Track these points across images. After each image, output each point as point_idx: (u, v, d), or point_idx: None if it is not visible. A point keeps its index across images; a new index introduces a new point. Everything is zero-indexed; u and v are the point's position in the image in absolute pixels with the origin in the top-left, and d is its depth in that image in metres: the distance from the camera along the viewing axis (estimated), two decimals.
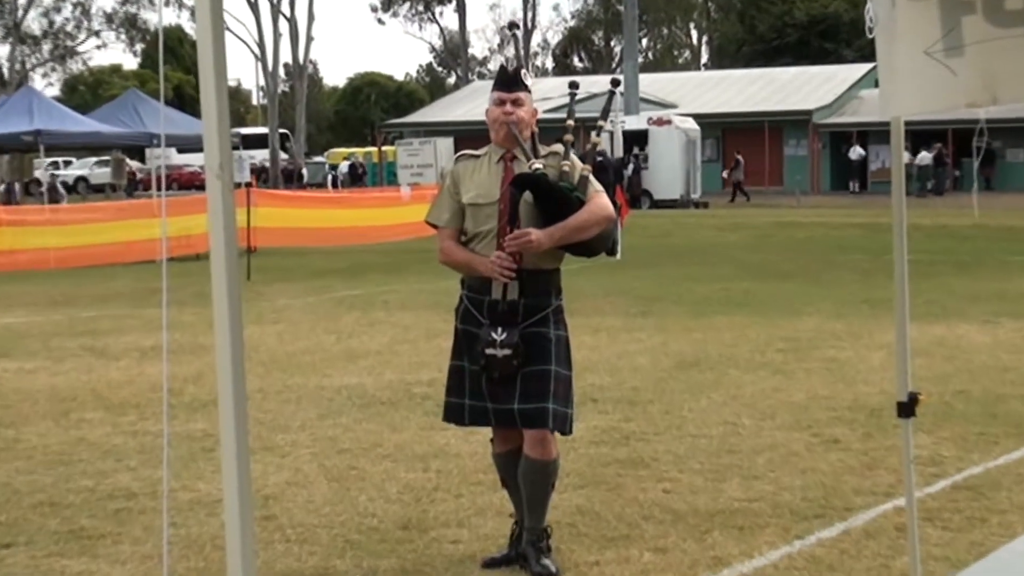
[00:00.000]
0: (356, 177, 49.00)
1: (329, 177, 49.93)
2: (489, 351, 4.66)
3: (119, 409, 8.11)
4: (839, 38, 62.64)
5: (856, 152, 46.03)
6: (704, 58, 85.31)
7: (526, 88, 4.79)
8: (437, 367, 9.25)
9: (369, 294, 15.13)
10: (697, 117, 42.38)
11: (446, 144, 47.28)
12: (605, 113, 5.03)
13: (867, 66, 51.27)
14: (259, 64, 52.40)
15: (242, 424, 2.60)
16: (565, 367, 4.76)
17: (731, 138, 49.39)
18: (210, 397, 8.28)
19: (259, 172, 44.11)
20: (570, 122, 4.97)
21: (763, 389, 8.45)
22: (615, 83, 5.14)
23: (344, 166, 50.77)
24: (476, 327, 4.74)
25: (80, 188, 51.38)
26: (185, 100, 62.65)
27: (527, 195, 4.67)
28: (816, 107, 48.02)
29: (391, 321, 12.39)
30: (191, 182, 49.85)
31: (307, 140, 61.27)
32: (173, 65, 68.59)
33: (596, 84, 40.64)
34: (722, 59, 74.30)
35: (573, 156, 4.82)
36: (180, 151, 46.15)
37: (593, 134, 5.00)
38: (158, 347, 10.84)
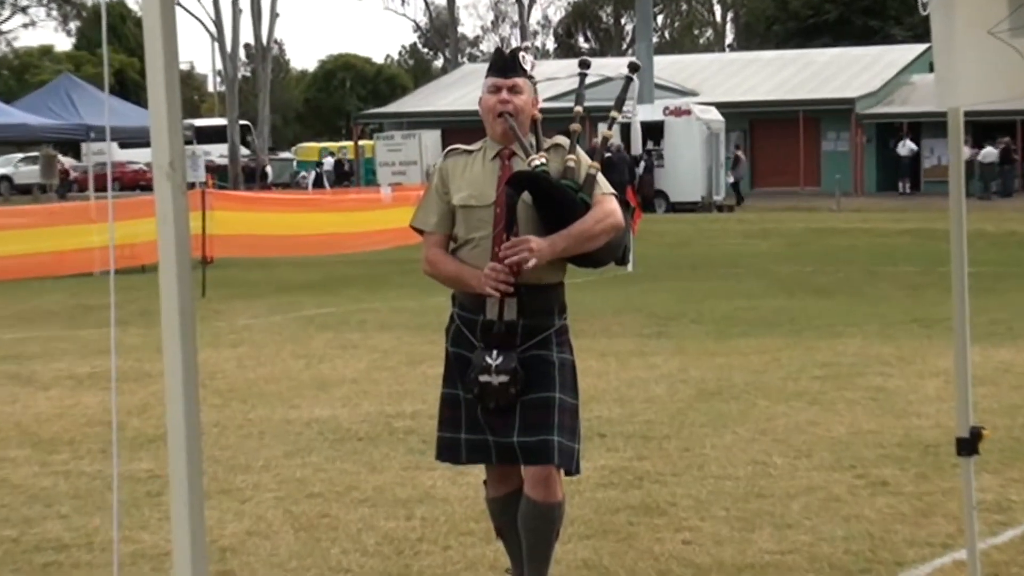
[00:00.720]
0: (342, 175, 48.45)
1: (312, 175, 49.33)
2: (483, 378, 4.66)
3: (48, 446, 8.08)
4: (887, 15, 62.81)
5: (907, 147, 46.12)
6: (729, 38, 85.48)
7: (525, 73, 4.79)
8: (421, 397, 9.24)
9: (344, 312, 15.12)
10: (720, 106, 42.47)
11: (433, 137, 47.39)
12: (620, 103, 5.01)
13: (920, 47, 51.39)
14: (215, 45, 52.44)
15: (195, 463, 2.58)
16: (570, 395, 4.75)
17: (760, 131, 49.50)
18: (157, 432, 8.26)
19: (216, 170, 44.10)
20: (578, 109, 4.96)
21: (798, 422, 8.44)
22: (634, 68, 5.10)
23: (329, 162, 50.20)
24: (469, 350, 4.73)
25: (3, 189, 51.37)
26: (128, 86, 62.62)
27: (525, 196, 4.67)
28: (860, 95, 48.14)
29: (369, 344, 12.38)
30: (135, 182, 49.86)
31: (272, 133, 61.31)
32: (114, 46, 68.66)
33: (604, 67, 40.64)
34: (750, 39, 74.43)
35: (580, 150, 4.83)
36: (122, 146, 46.13)
37: (603, 126, 4.99)
38: (95, 374, 10.81)
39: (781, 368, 10.60)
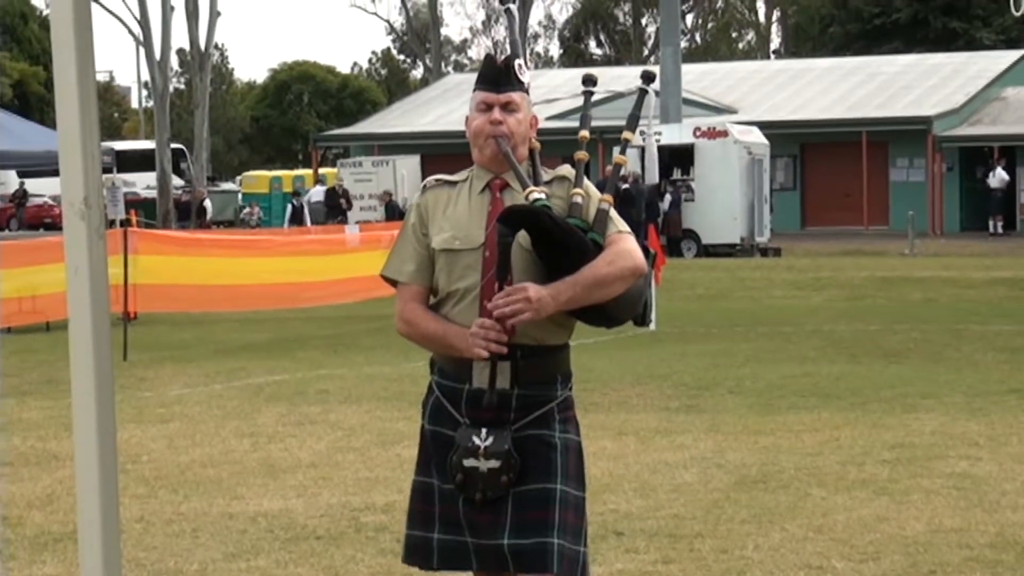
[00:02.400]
0: (335, 209, 45.17)
1: (288, 209, 46.50)
2: (469, 462, 4.66)
3: None
4: (971, 15, 63.17)
5: (998, 177, 46.15)
6: (775, 42, 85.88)
7: (522, 86, 4.82)
8: (396, 486, 9.22)
9: (299, 380, 15.11)
10: (764, 126, 42.58)
11: (410, 165, 47.51)
12: (634, 121, 5.05)
13: (1014, 55, 51.62)
14: (141, 50, 52.59)
15: (113, 567, 2.58)
16: (576, 485, 4.75)
17: (814, 156, 49.59)
18: (65, 529, 8.22)
19: (141, 205, 44.07)
20: (584, 133, 4.99)
21: (862, 517, 8.42)
22: (648, 78, 5.15)
23: (317, 192, 47.57)
24: (451, 428, 4.73)
25: None
26: (30, 101, 62.83)
27: (522, 237, 4.68)
28: (938, 112, 48.26)
29: (331, 420, 12.37)
30: (38, 219, 49.88)
31: (212, 159, 61.36)
32: (14, 52, 68.86)
33: (621, 79, 40.71)
34: (801, 44, 74.80)
35: (588, 183, 4.85)
36: (22, 174, 46.15)
37: (616, 151, 5.02)
38: None
39: (841, 450, 10.59)
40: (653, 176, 36.15)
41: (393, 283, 4.88)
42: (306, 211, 44.89)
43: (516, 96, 4.80)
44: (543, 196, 4.73)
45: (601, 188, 4.88)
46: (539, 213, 4.64)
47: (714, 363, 16.09)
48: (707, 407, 12.80)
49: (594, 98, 5.22)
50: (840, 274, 29.69)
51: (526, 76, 4.84)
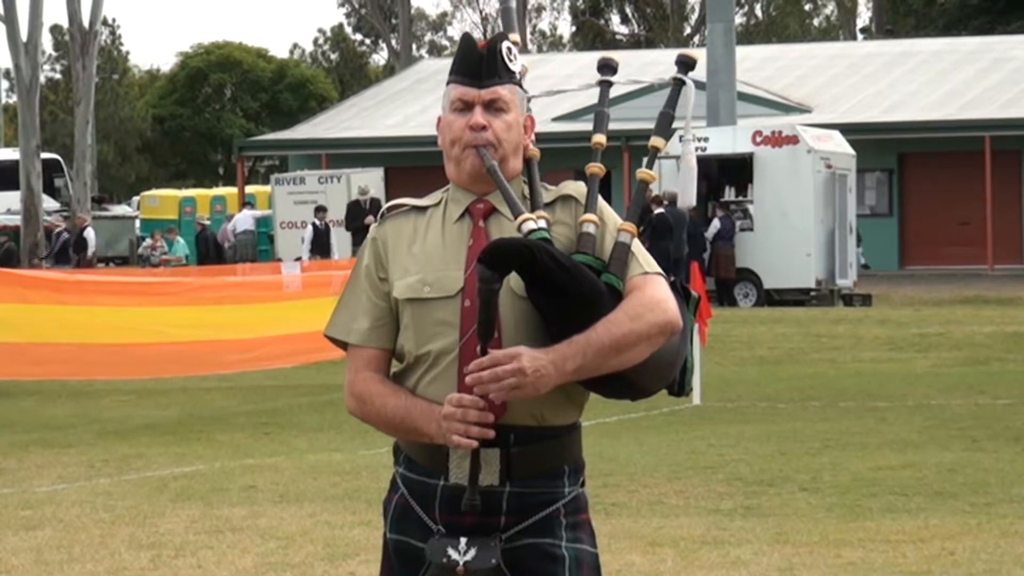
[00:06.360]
0: (362, 232, 42.24)
1: (309, 231, 43.17)
2: None
3: None
4: None
5: None
6: (864, 17, 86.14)
7: (512, 77, 4.85)
8: None
9: (218, 473, 15.08)
10: (848, 130, 42.52)
11: (371, 181, 47.40)
12: (666, 123, 5.05)
13: None
14: (2, 28, 52.67)
15: None
16: None
17: (917, 170, 49.51)
18: None
19: None
20: (600, 138, 5.00)
21: None
22: (686, 64, 5.14)
23: (244, 218, 45.83)
24: (421, 537, 4.76)
25: None
26: None
27: (514, 282, 4.69)
28: None
29: (260, 526, 12.35)
30: None
31: (99, 173, 61.34)
32: None
33: (653, 67, 40.64)
34: (900, 20, 74.96)
35: (604, 205, 4.86)
36: None
37: (644, 162, 5.04)
38: None
39: (958, 567, 10.59)
40: (688, 198, 35.75)
41: (342, 345, 4.90)
42: (329, 234, 41.96)
43: (504, 91, 4.82)
44: (542, 225, 4.73)
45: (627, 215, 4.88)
46: (535, 249, 4.65)
47: (780, 450, 16.07)
48: (771, 509, 12.79)
49: (617, 91, 5.21)
50: (954, 329, 29.67)
51: (517, 62, 4.85)
